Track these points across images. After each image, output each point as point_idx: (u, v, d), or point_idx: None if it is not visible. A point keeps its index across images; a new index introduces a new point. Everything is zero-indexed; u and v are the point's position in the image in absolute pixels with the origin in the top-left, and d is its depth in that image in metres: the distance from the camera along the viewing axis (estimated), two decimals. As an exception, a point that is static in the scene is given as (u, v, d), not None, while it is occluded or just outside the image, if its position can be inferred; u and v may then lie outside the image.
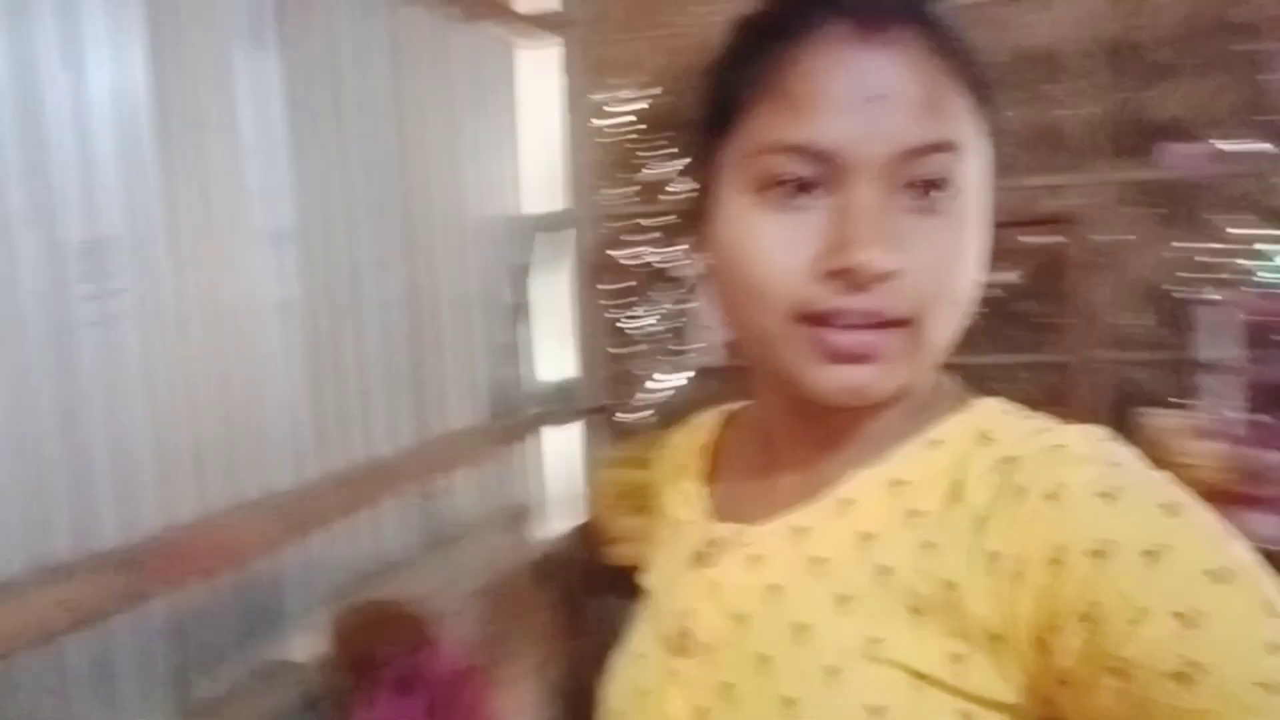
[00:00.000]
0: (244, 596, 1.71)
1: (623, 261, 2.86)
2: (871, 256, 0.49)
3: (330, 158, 1.94)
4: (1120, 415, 2.39)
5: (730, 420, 0.72)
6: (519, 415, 2.69)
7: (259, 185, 1.73)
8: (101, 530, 1.44)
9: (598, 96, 2.85)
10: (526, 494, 2.80)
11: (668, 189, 2.80)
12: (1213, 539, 0.44)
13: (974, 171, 0.53)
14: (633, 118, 2.85)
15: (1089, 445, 0.50)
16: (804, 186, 0.52)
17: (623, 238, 2.86)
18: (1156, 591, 0.42)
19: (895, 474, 0.55)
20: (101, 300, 1.45)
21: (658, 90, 2.83)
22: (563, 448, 2.90)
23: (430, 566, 2.16)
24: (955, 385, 0.59)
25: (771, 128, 0.52)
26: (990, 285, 0.56)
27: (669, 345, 2.81)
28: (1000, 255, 0.55)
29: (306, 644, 1.78)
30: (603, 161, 2.86)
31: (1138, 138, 2.48)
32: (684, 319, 2.74)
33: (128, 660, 1.47)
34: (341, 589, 1.91)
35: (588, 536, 2.70)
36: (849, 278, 0.50)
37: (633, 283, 2.87)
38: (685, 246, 2.47)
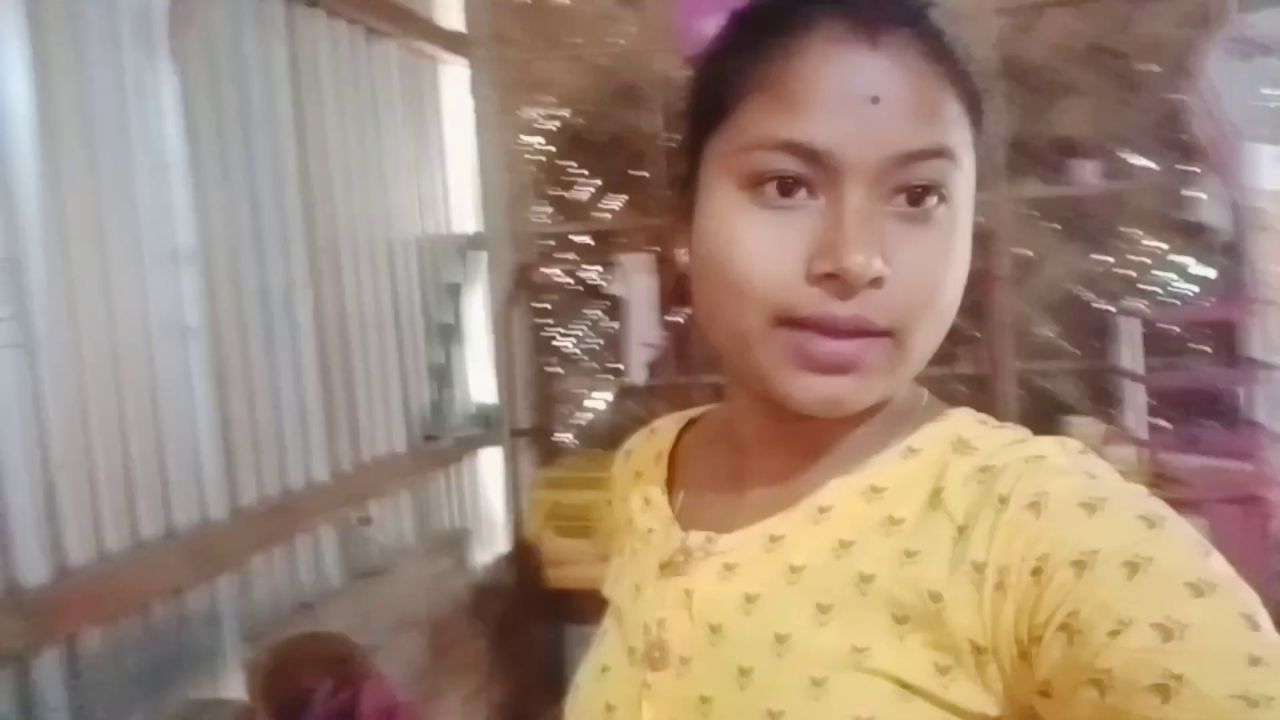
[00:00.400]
0: (153, 639, 1.60)
1: (553, 279, 2.83)
2: (861, 261, 0.48)
3: (233, 175, 1.86)
4: (1040, 425, 2.44)
5: (690, 426, 0.70)
6: (447, 439, 2.62)
7: (155, 204, 1.64)
8: None
9: (524, 113, 2.81)
10: (457, 520, 2.73)
11: (593, 209, 2.78)
12: (1193, 552, 0.44)
13: (964, 181, 0.52)
14: (544, 139, 2.82)
15: (1067, 457, 0.50)
16: (794, 185, 0.50)
17: (554, 255, 2.83)
18: (1137, 603, 0.42)
19: (872, 481, 0.54)
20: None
21: (567, 112, 2.81)
22: (493, 471, 2.84)
23: (357, 599, 2.07)
24: (929, 396, 0.59)
25: (764, 123, 0.51)
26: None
27: (599, 363, 2.78)
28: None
29: (229, 683, 1.69)
30: (524, 181, 2.82)
31: (1046, 154, 2.55)
32: (612, 337, 2.71)
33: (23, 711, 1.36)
34: (264, 625, 1.82)
35: (521, 561, 2.65)
36: (836, 282, 0.48)
37: (561, 300, 2.84)
38: (608, 265, 2.46)
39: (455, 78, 2.76)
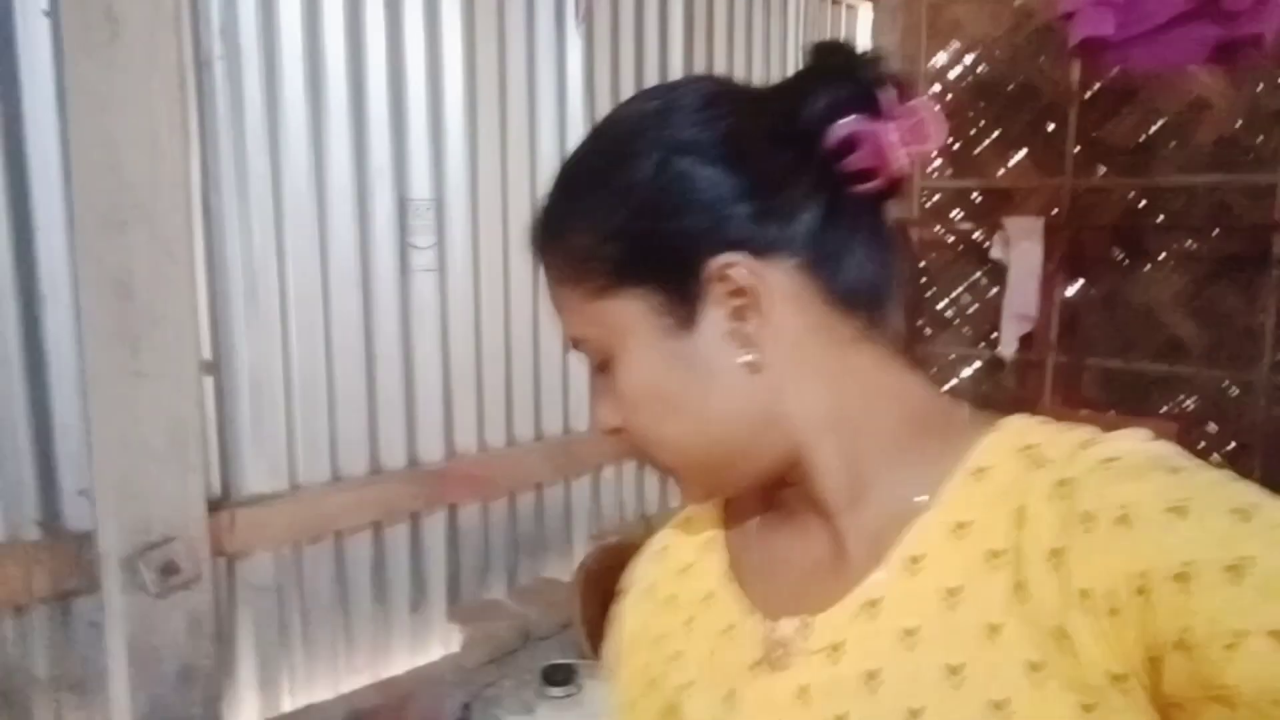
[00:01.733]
0: (516, 521, 1.93)
1: (937, 235, 2.72)
2: (596, 418, 0.60)
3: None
4: None
5: (727, 509, 0.67)
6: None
7: (553, 155, 1.89)
8: (423, 447, 1.72)
9: (929, 60, 2.69)
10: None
11: (991, 163, 2.59)
12: None
13: (613, 333, 0.55)
14: (945, 86, 2.66)
15: (1141, 453, 0.48)
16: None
17: (940, 211, 2.71)
18: (1248, 611, 0.40)
19: (955, 517, 0.52)
20: (420, 251, 1.70)
21: (973, 58, 2.60)
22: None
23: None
24: (970, 408, 0.57)
25: None
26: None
27: (974, 330, 2.63)
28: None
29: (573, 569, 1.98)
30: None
31: None
32: (991, 303, 2.54)
33: (405, 563, 1.74)
34: (603, 528, 2.08)
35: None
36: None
37: (941, 260, 2.71)
38: (995, 227, 2.30)
39: (865, 22, 2.71)
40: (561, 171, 0.58)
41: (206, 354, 1.43)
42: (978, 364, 2.63)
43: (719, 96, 0.55)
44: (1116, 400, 2.34)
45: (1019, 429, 0.53)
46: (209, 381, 1.44)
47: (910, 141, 0.51)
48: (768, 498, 0.61)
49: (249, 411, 1.49)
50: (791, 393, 0.54)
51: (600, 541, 1.94)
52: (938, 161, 2.69)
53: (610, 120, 0.57)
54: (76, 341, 1.26)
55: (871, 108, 0.51)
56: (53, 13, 1.22)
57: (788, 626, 0.56)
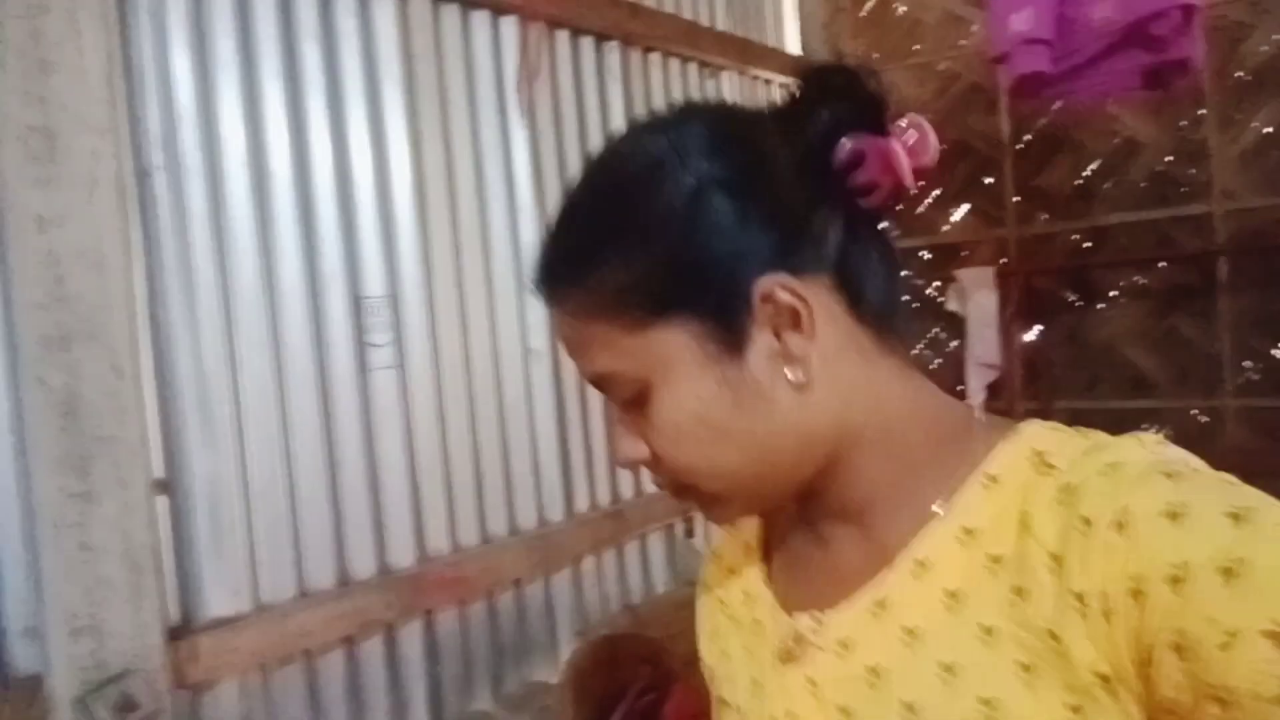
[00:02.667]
0: (497, 623, 1.84)
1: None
2: (622, 457, 0.59)
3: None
4: None
5: (769, 514, 0.71)
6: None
7: (506, 243, 1.88)
8: (388, 552, 1.64)
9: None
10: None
11: (934, 221, 2.65)
12: None
13: (653, 365, 0.55)
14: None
15: (1144, 458, 0.49)
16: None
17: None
18: (1241, 611, 0.41)
19: (963, 523, 0.54)
20: (377, 349, 1.66)
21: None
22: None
23: (679, 605, 2.19)
24: (987, 415, 0.59)
25: None
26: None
27: (939, 384, 2.64)
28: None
29: (560, 669, 1.89)
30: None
31: None
32: (953, 356, 2.56)
33: (382, 679, 1.64)
34: (591, 621, 2.00)
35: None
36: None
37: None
38: (947, 280, 2.33)
39: (795, 98, 2.79)
40: (569, 211, 0.58)
41: (159, 472, 1.37)
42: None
43: (724, 125, 0.56)
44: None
45: (1031, 435, 0.54)
46: (163, 501, 1.37)
47: (913, 154, 0.54)
48: (796, 503, 0.63)
49: (207, 529, 1.41)
50: (832, 407, 0.55)
51: (587, 637, 1.86)
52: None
53: (618, 156, 0.58)
54: (19, 468, 1.19)
55: (874, 124, 0.54)
56: (-15, 133, 1.19)
57: (804, 622, 0.59)
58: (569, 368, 2.01)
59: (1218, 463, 0.50)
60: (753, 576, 0.68)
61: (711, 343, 0.54)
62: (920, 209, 2.68)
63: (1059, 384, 2.40)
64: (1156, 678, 0.44)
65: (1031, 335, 2.44)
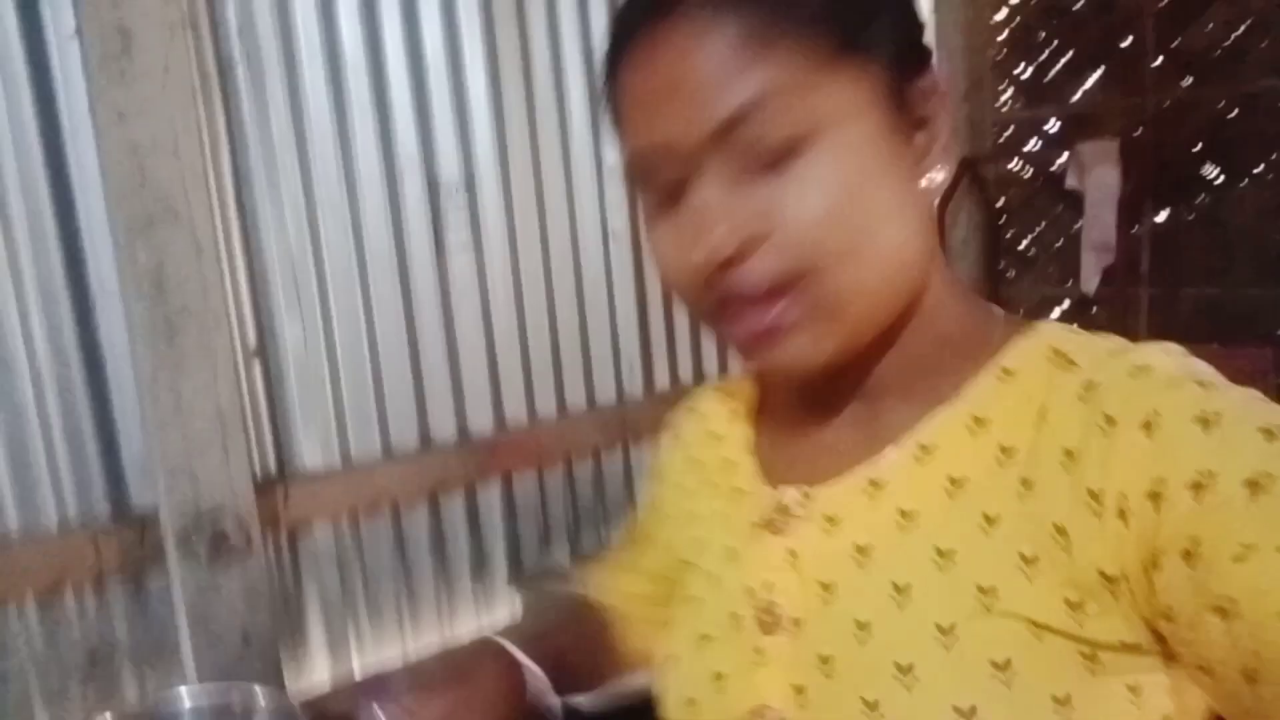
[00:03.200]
0: (573, 490, 1.97)
1: (1011, 171, 2.57)
2: (711, 246, 0.49)
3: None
4: None
5: (762, 380, 0.69)
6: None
7: (585, 130, 1.90)
8: (473, 420, 1.79)
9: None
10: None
11: (1064, 89, 2.43)
12: None
13: (828, 110, 0.48)
14: (1010, 10, 2.50)
15: (1174, 365, 0.47)
16: (676, 185, 0.52)
17: (1013, 144, 2.56)
18: (1263, 527, 0.39)
19: (974, 411, 0.52)
20: (456, 230, 1.75)
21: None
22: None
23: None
24: (1005, 312, 0.57)
25: (624, 137, 0.54)
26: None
27: (1058, 267, 2.48)
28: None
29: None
30: (984, 61, 2.56)
31: None
32: (1074, 237, 2.38)
33: (463, 532, 1.80)
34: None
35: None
36: (712, 270, 0.50)
37: (1018, 195, 2.56)
38: (1072, 155, 2.15)
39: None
40: None
41: (252, 341, 1.53)
42: (1066, 303, 2.47)
43: None
44: (1217, 330, 2.16)
45: (1050, 333, 0.52)
46: (257, 367, 1.54)
47: None
48: (801, 382, 0.61)
49: (297, 393, 1.58)
50: (929, 249, 0.53)
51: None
52: (1009, 92, 2.55)
53: None
54: (126, 335, 1.37)
55: None
56: (79, 33, 1.32)
57: (790, 494, 0.58)
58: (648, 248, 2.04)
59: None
60: (737, 444, 0.65)
61: (891, 106, 0.49)
62: (1049, 76, 2.46)
63: (1188, 269, 2.21)
64: (1160, 583, 0.43)
65: (1162, 216, 2.23)
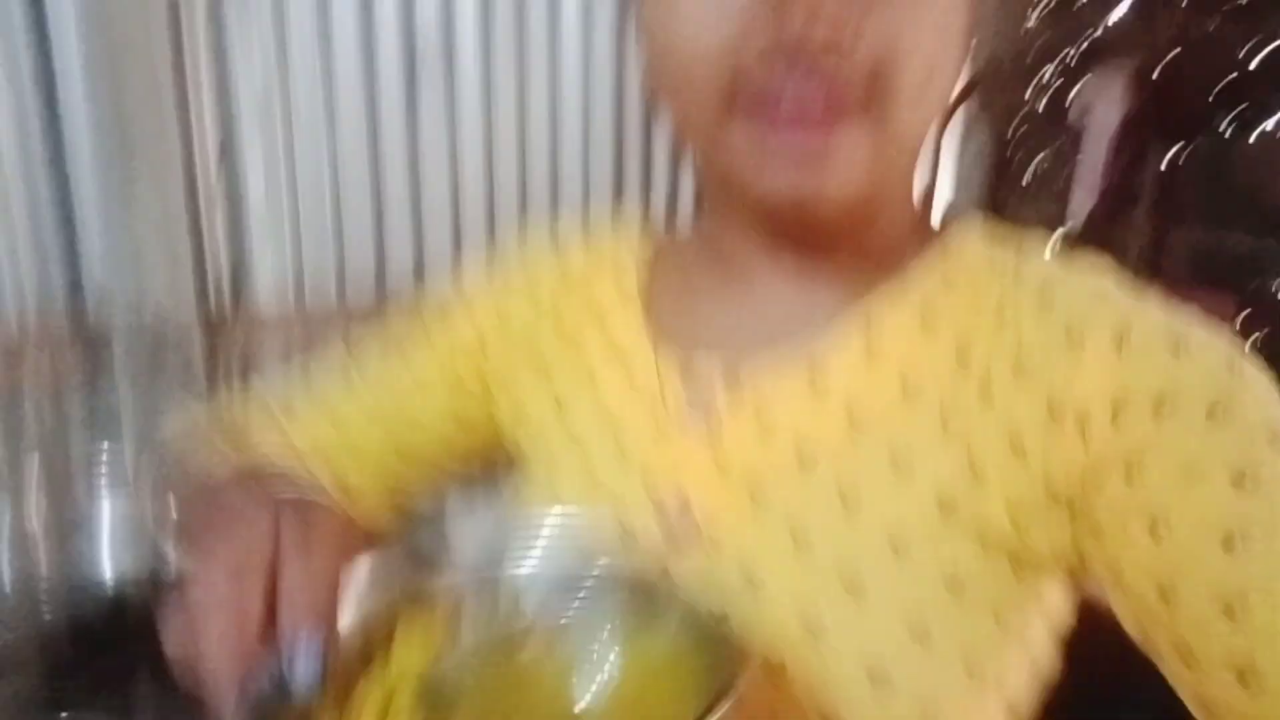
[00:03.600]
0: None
1: (1021, 99, 2.48)
2: (817, 16, 0.40)
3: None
4: None
5: (659, 245, 0.59)
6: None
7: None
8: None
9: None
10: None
11: (1086, 13, 2.33)
12: (1273, 400, 0.42)
13: None
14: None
15: (1115, 281, 0.46)
16: None
17: (1025, 71, 2.47)
18: (1214, 451, 0.40)
19: (925, 312, 0.48)
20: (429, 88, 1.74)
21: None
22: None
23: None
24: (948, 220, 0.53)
25: None
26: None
27: (1059, 200, 2.42)
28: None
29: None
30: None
31: None
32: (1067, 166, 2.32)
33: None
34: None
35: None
36: (790, 48, 0.40)
37: (1027, 123, 2.49)
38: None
39: None
40: None
41: (215, 179, 1.55)
42: (1055, 238, 2.42)
43: None
44: (1200, 278, 2.11)
45: (989, 241, 0.50)
46: (219, 212, 1.56)
47: None
48: (712, 247, 0.54)
49: (257, 233, 1.61)
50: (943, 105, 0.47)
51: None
52: (1031, 17, 2.45)
53: None
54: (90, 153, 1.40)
55: None
56: None
57: (709, 392, 0.50)
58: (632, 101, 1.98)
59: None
60: (625, 327, 0.56)
61: None
62: (1077, 4, 2.35)
63: (1185, 215, 2.15)
64: (1097, 499, 0.42)
65: (1165, 158, 2.17)
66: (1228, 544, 0.38)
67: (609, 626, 0.43)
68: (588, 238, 0.62)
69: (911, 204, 0.52)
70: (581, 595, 0.44)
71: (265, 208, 1.60)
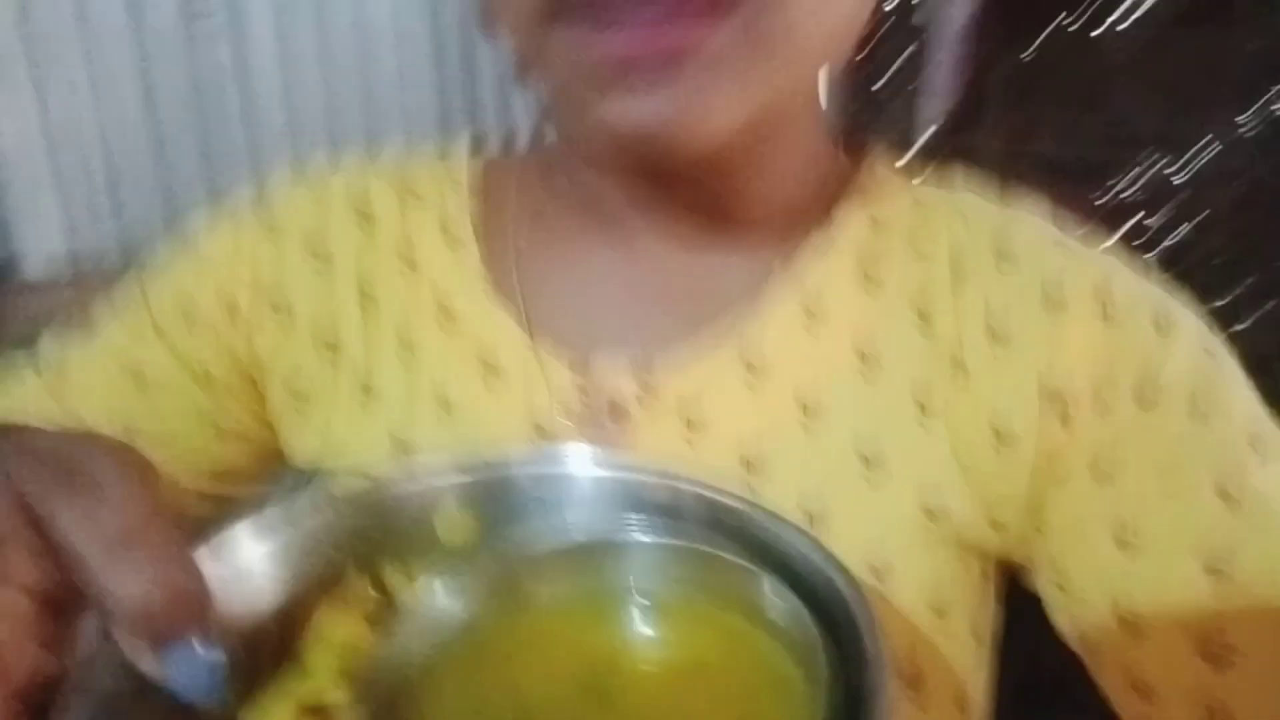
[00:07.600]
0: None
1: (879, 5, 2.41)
2: None
3: None
4: None
5: (488, 189, 0.45)
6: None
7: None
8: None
9: None
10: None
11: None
12: (1244, 385, 0.37)
13: None
14: None
15: (1064, 234, 0.40)
16: None
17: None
18: (1198, 452, 0.35)
19: (864, 266, 0.40)
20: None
21: None
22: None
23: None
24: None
25: None
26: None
27: (910, 113, 2.37)
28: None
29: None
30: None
31: None
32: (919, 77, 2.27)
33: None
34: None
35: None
36: None
37: (886, 32, 2.42)
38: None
39: None
40: None
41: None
42: (906, 155, 2.39)
43: None
44: (1055, 190, 2.11)
45: (907, 182, 0.43)
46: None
47: None
48: (581, 205, 0.42)
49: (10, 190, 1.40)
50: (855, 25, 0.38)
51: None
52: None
53: None
54: None
55: None
56: None
57: (613, 379, 0.39)
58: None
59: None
60: (461, 290, 0.42)
61: None
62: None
63: (1033, 121, 2.13)
64: (1055, 492, 0.37)
65: (1010, 59, 2.12)
66: (1211, 568, 0.33)
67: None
68: (382, 163, 0.47)
69: (820, 132, 0.42)
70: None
71: (18, 159, 1.39)
